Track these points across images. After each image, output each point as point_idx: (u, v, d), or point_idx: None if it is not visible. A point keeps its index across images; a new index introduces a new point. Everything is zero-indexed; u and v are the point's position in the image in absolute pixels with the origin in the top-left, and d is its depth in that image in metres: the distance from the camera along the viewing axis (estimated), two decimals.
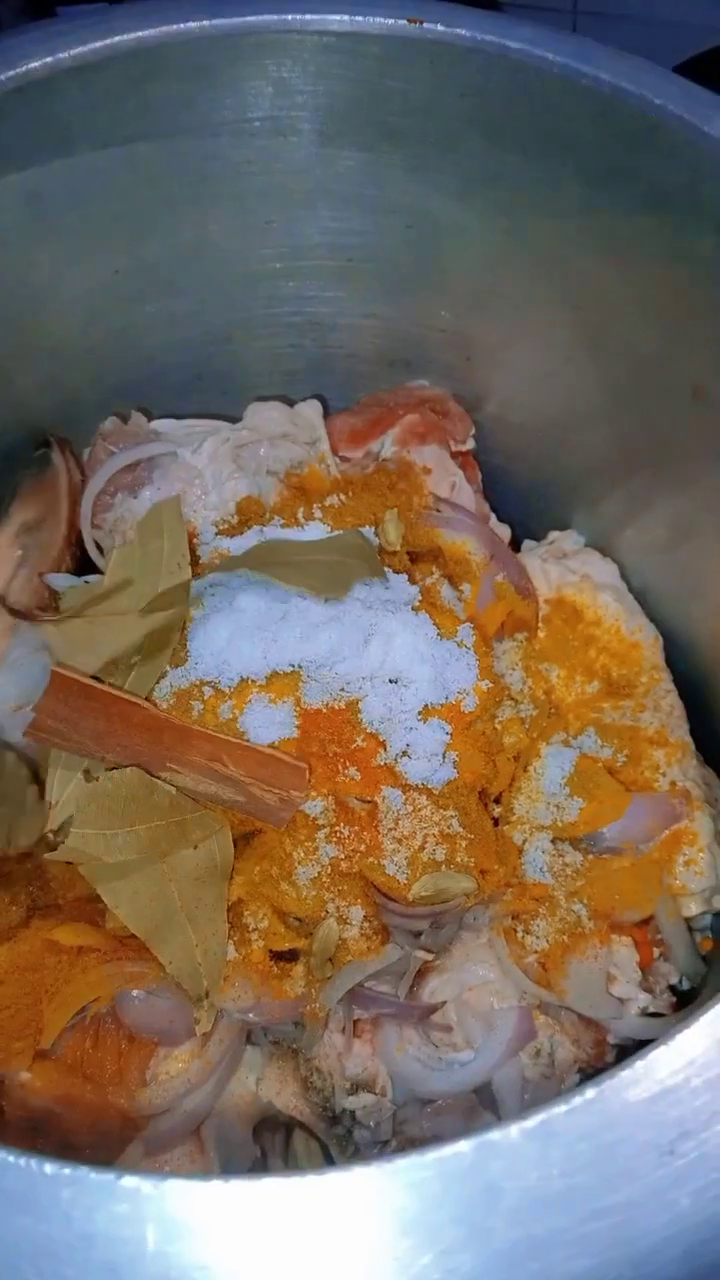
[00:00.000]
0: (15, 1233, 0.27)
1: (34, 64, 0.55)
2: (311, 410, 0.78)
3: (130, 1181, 0.28)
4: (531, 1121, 0.28)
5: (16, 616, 0.69)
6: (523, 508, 0.87)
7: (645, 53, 0.59)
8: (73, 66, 0.57)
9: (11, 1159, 0.28)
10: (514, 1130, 0.28)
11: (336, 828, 0.59)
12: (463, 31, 0.56)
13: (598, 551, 0.83)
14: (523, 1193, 0.28)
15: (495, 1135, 0.28)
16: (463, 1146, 0.28)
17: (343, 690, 0.59)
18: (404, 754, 0.60)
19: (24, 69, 0.55)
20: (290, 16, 0.57)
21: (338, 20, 0.58)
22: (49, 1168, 0.28)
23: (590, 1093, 0.29)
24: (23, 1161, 0.28)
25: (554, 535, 0.85)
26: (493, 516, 0.84)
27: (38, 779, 0.62)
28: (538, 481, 0.87)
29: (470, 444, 0.83)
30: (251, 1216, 0.28)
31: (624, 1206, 0.28)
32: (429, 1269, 0.27)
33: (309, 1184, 0.28)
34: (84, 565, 0.76)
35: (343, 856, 0.59)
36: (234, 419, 0.80)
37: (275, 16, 0.57)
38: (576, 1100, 0.29)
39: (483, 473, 0.85)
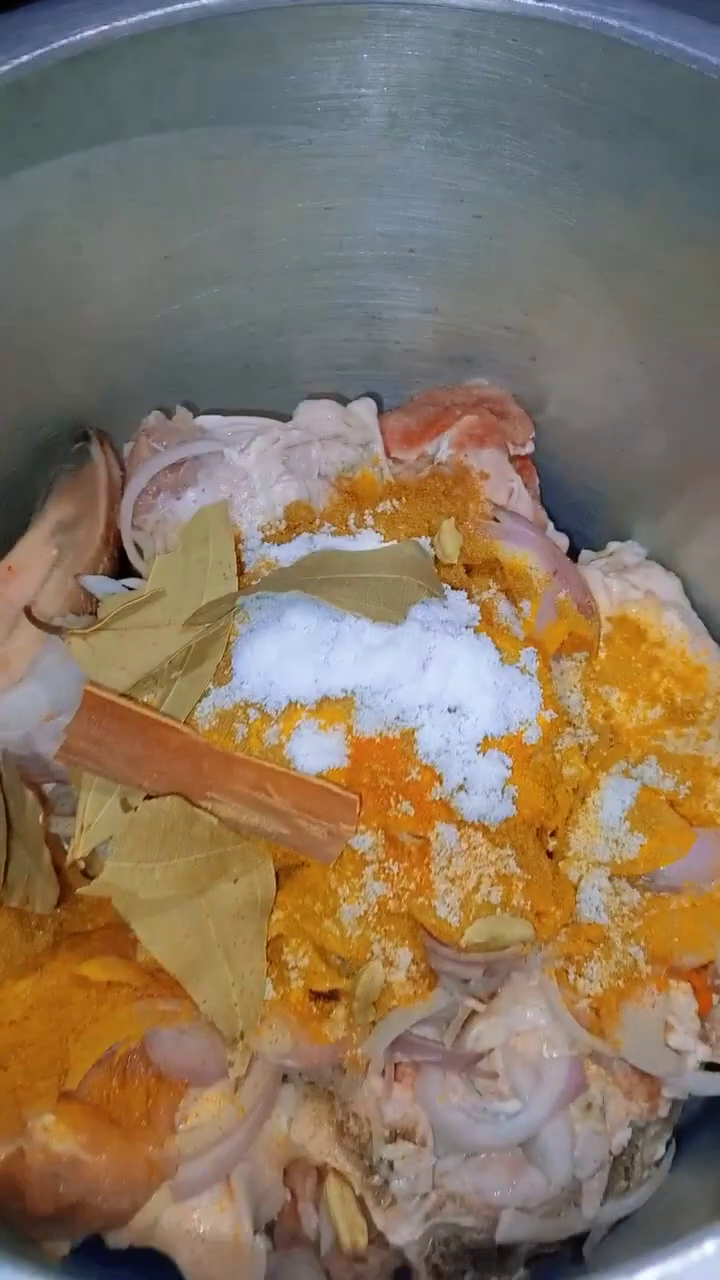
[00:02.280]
0: None
1: (89, 31, 0.51)
2: (365, 410, 0.74)
3: None
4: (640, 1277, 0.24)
5: (42, 628, 0.65)
6: (581, 516, 0.83)
7: None
8: (129, 36, 0.52)
9: None
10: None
11: (385, 864, 0.56)
12: (556, 6, 0.51)
13: (660, 565, 0.79)
14: None
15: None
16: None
17: (398, 719, 0.55)
18: (460, 788, 0.56)
19: (78, 36, 0.51)
20: None
21: None
22: None
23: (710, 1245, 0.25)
24: None
25: (614, 546, 0.81)
26: (550, 525, 0.80)
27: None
28: (598, 489, 0.82)
29: (530, 448, 0.79)
30: None
31: None
32: None
33: None
34: (122, 566, 0.72)
35: (391, 895, 0.56)
36: (282, 415, 0.76)
37: None
38: (692, 1254, 0.25)
39: (540, 478, 0.81)
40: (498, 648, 0.58)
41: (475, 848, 0.56)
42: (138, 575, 0.70)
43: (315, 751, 0.54)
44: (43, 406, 0.74)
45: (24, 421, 0.73)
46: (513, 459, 0.78)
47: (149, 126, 0.60)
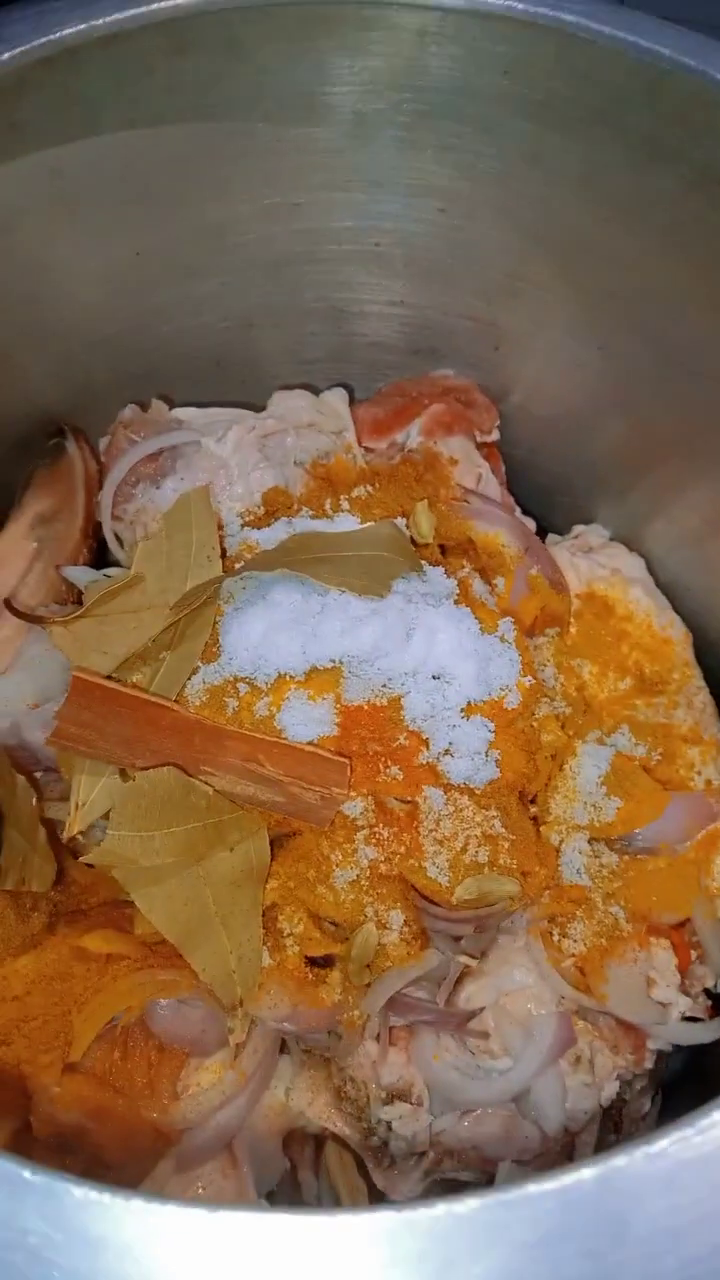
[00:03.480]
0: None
1: (67, 31, 0.53)
2: (338, 399, 0.76)
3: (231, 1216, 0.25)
4: (658, 1145, 0.26)
5: (23, 619, 0.66)
6: (546, 501, 0.85)
7: (700, 25, 0.56)
8: (104, 35, 0.54)
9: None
10: (639, 1155, 0.26)
11: (376, 829, 0.57)
12: (516, 4, 0.54)
13: (623, 545, 0.82)
14: (651, 1222, 0.26)
15: (620, 1160, 0.26)
16: (585, 1173, 0.26)
17: (384, 686, 0.57)
18: (446, 752, 0.58)
19: (57, 35, 0.53)
20: None
21: None
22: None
23: (718, 1114, 0.27)
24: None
25: (579, 529, 0.84)
26: (517, 510, 0.82)
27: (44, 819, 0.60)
28: (562, 474, 0.85)
29: (495, 435, 0.81)
30: (355, 1252, 0.26)
31: None
32: None
33: (420, 1216, 0.26)
34: (101, 558, 0.73)
35: (382, 859, 0.57)
36: (254, 408, 0.78)
37: None
38: (703, 1121, 0.27)
39: (506, 465, 0.83)
40: (476, 617, 0.60)
41: (462, 810, 0.58)
42: (118, 565, 0.71)
43: (305, 721, 0.56)
44: (16, 404, 0.74)
45: None
46: (479, 446, 0.81)
47: (122, 124, 0.61)
